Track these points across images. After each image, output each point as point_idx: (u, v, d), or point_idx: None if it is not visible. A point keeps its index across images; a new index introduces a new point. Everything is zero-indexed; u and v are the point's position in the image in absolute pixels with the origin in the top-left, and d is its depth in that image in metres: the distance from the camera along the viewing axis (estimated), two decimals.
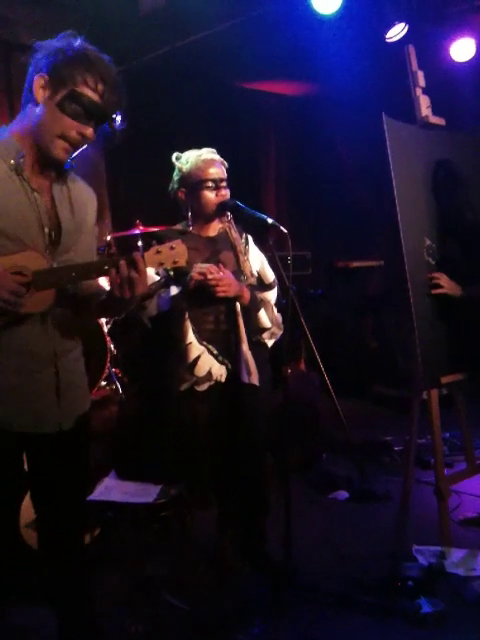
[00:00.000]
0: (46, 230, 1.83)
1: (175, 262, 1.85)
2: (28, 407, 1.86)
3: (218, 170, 2.65)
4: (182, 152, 2.71)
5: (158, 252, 1.83)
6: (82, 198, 1.98)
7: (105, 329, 4.49)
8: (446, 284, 2.96)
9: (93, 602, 2.15)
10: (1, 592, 2.00)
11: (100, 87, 1.77)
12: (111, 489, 3.15)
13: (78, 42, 1.79)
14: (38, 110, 1.78)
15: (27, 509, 2.25)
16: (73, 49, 1.77)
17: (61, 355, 1.91)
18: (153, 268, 1.82)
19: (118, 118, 1.85)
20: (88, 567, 2.20)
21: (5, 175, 1.77)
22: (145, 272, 1.80)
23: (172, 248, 1.84)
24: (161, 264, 1.85)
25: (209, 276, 2.50)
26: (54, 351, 1.89)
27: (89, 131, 1.80)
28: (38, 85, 1.77)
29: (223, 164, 2.70)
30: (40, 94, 1.77)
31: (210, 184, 2.63)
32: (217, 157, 2.69)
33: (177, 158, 2.69)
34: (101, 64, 1.78)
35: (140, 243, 4.73)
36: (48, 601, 2.18)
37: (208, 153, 2.68)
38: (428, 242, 2.98)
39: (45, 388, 1.89)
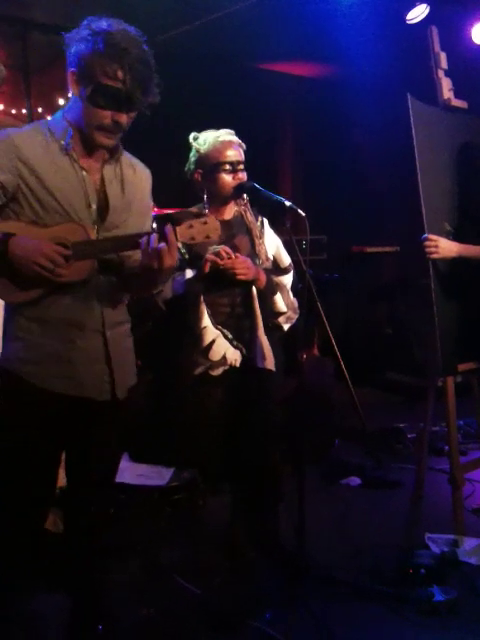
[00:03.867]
0: (94, 207, 1.94)
1: (208, 236, 1.90)
2: (72, 372, 1.95)
3: (236, 152, 2.61)
4: (198, 133, 2.68)
5: (191, 226, 1.88)
6: (135, 178, 2.08)
7: None
8: (442, 248, 2.83)
9: (107, 585, 2.17)
10: (21, 572, 2.02)
11: (120, 74, 1.81)
12: (124, 471, 3.16)
13: (100, 26, 1.83)
14: (79, 103, 1.89)
15: None
16: (94, 37, 1.81)
17: (110, 327, 2.00)
18: (186, 242, 1.90)
19: (151, 97, 1.90)
20: (108, 548, 2.25)
21: (56, 154, 1.91)
22: (175, 245, 1.86)
23: (205, 223, 1.90)
24: (193, 238, 1.90)
25: (220, 261, 2.47)
26: (102, 322, 1.98)
27: (123, 117, 1.88)
28: (71, 80, 1.88)
29: (241, 146, 2.65)
30: (75, 89, 1.88)
31: (227, 167, 2.59)
32: (235, 139, 2.65)
33: (194, 138, 2.65)
34: (121, 47, 1.80)
35: (154, 225, 4.70)
36: (62, 584, 2.19)
37: (226, 134, 2.63)
38: (448, 227, 2.94)
39: (93, 357, 1.98)
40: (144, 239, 1.85)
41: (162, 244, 1.83)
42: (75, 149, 1.93)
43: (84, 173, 1.94)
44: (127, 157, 2.09)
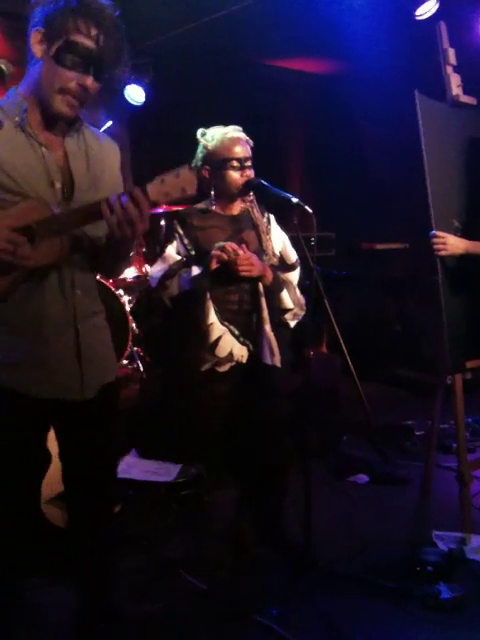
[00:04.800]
0: (58, 185, 1.80)
1: (183, 190, 1.71)
2: (46, 373, 1.83)
3: (243, 149, 2.61)
4: (206, 129, 2.68)
5: (162, 181, 1.70)
6: (101, 152, 1.93)
7: (127, 308, 4.51)
8: (450, 245, 2.80)
9: (112, 580, 2.17)
10: (20, 570, 2.01)
11: (94, 32, 1.70)
12: (132, 467, 3.17)
13: None
14: (38, 66, 1.75)
15: (48, 485, 2.26)
16: None
17: (82, 319, 1.87)
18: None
19: (122, 70, 1.78)
20: (113, 544, 2.21)
21: (11, 133, 1.76)
22: (146, 207, 1.69)
23: (177, 176, 1.70)
24: (167, 194, 1.71)
25: (226, 257, 2.47)
26: (74, 314, 1.85)
27: (89, 81, 1.73)
28: (35, 40, 1.74)
29: (248, 142, 2.66)
30: (37, 49, 1.74)
31: (235, 163, 2.59)
32: (243, 135, 2.65)
33: (202, 134, 2.65)
34: (95, 7, 1.70)
35: (163, 222, 4.73)
36: (68, 578, 2.20)
37: (234, 131, 2.63)
38: (456, 224, 2.93)
39: (64, 353, 1.85)
40: (114, 199, 1.68)
41: (132, 208, 1.67)
42: (31, 124, 1.78)
43: (44, 149, 1.78)
44: (91, 130, 1.94)
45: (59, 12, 1.69)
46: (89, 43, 1.70)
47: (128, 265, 2.06)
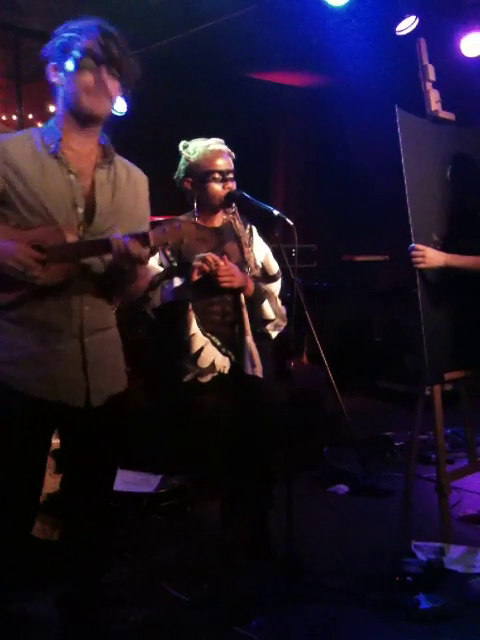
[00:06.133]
0: (80, 209, 1.95)
1: (181, 240, 1.94)
2: (49, 377, 1.94)
3: (225, 161, 2.63)
4: (190, 141, 2.69)
5: (164, 231, 1.90)
6: (128, 184, 2.08)
7: None
8: (429, 258, 2.86)
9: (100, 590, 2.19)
10: (6, 581, 2.01)
11: (103, 41, 1.88)
12: None
13: (77, 21, 1.92)
14: (61, 89, 1.94)
15: None
16: (73, 26, 1.91)
17: (89, 333, 1.99)
18: (158, 252, 1.91)
19: (133, 74, 1.96)
20: (105, 558, 2.26)
21: (45, 158, 1.93)
22: (144, 251, 1.88)
23: (179, 228, 1.91)
24: (166, 243, 1.92)
25: (207, 267, 2.48)
26: (80, 327, 1.97)
27: (105, 75, 1.90)
28: (52, 72, 1.94)
29: (230, 155, 2.68)
30: (56, 78, 1.93)
31: (217, 176, 2.61)
32: (225, 148, 2.67)
33: (184, 147, 2.67)
34: (102, 27, 1.90)
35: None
36: (56, 589, 2.19)
37: (216, 144, 2.65)
38: (436, 238, 2.96)
39: (69, 362, 1.97)
40: (119, 238, 1.86)
41: (132, 247, 1.85)
42: (65, 153, 1.95)
43: (72, 177, 1.94)
44: (123, 162, 2.11)
45: (67, 37, 1.91)
46: (98, 47, 1.88)
47: (139, 294, 2.23)
